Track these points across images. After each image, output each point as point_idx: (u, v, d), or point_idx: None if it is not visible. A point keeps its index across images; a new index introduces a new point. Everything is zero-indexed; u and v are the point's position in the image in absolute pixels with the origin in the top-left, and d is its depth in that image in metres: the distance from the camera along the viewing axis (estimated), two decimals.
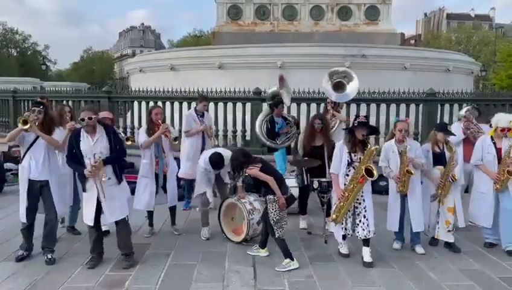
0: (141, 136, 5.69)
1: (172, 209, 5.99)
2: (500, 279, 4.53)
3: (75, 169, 4.84)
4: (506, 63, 36.34)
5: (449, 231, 5.29)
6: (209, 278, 4.49)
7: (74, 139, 4.58)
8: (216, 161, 5.49)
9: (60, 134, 5.00)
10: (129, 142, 6.36)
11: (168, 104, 9.42)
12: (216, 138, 8.83)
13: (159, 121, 5.61)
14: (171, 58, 13.75)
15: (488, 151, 5.40)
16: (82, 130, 4.60)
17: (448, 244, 5.36)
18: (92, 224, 4.72)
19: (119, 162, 4.80)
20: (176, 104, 9.62)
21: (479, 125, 6.19)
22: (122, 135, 7.10)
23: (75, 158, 4.57)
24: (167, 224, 6.14)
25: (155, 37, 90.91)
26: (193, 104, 9.43)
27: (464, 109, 6.53)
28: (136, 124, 9.77)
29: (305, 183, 5.96)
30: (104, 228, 5.13)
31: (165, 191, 5.81)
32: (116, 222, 4.81)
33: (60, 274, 4.53)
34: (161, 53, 18.62)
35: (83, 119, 4.50)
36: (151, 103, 9.42)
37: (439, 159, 5.32)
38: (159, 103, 8.62)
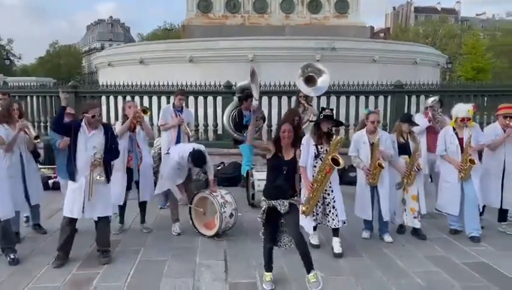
0: (117, 128, 5.59)
1: (143, 206, 5.88)
2: (464, 264, 4.70)
3: (61, 130, 4.75)
4: (471, 55, 37.59)
5: (415, 217, 5.44)
6: (179, 273, 4.45)
7: (74, 128, 4.57)
8: (199, 157, 5.39)
9: (4, 131, 4.80)
10: None
11: (137, 98, 9.24)
12: (196, 133, 8.69)
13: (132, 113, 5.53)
14: (141, 51, 13.51)
15: (451, 142, 5.55)
16: (83, 122, 4.61)
17: (415, 231, 5.52)
18: (73, 217, 4.60)
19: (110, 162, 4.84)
20: (146, 99, 9.45)
21: (444, 116, 6.34)
22: None
23: (64, 127, 4.61)
24: (137, 221, 6.03)
25: (124, 30, 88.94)
26: (163, 99, 9.36)
27: (431, 99, 6.63)
28: (104, 119, 9.54)
29: None
30: None
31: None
32: (99, 218, 4.72)
33: (25, 275, 4.38)
34: (130, 46, 18.23)
35: (93, 116, 4.58)
36: (120, 98, 9.25)
37: (403, 149, 5.46)
38: (128, 98, 8.45)
